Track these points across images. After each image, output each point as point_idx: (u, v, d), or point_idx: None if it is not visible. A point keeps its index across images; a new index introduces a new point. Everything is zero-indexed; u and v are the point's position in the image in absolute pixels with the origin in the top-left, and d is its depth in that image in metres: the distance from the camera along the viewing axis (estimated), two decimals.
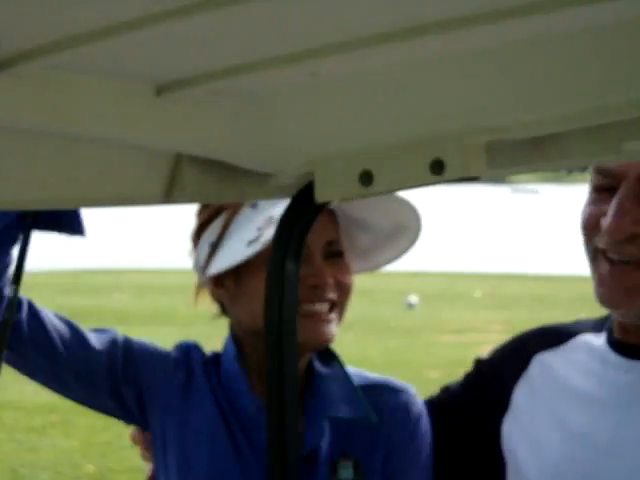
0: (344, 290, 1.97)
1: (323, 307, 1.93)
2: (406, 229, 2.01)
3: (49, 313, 1.94)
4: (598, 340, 1.94)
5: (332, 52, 1.21)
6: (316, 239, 1.92)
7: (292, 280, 1.49)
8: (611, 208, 1.78)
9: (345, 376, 1.98)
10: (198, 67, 1.27)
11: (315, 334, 1.92)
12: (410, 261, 2.07)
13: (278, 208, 1.81)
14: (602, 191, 1.83)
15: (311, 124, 1.38)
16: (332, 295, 1.95)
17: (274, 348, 1.49)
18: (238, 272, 1.94)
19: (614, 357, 1.88)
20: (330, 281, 1.94)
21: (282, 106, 1.37)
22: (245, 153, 1.43)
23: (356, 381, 1.98)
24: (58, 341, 1.91)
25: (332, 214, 1.96)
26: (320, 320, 1.93)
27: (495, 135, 1.28)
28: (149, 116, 1.30)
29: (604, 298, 1.83)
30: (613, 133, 1.26)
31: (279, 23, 1.13)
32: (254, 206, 1.89)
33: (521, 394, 1.94)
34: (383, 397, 1.96)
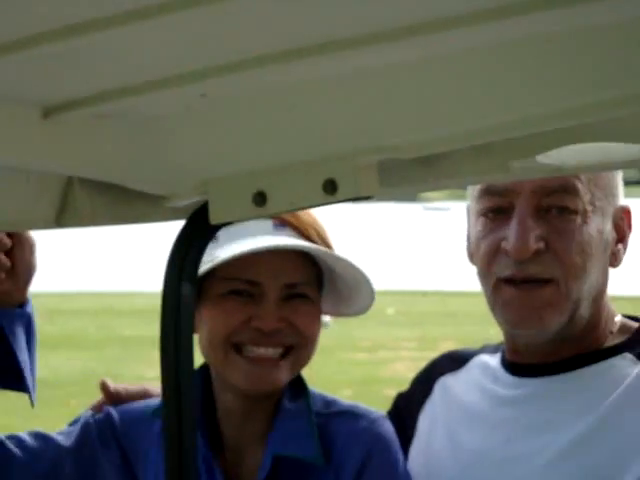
0: (301, 335, 1.88)
1: (268, 352, 1.86)
2: (362, 282, 1.92)
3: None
4: (493, 360, 1.96)
5: (222, 73, 1.21)
6: (271, 280, 1.87)
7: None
8: (512, 229, 1.78)
9: (306, 413, 1.91)
10: (85, 89, 1.25)
11: (255, 379, 1.87)
12: None
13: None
14: (496, 214, 1.83)
15: (203, 145, 1.37)
16: (287, 339, 1.87)
17: (169, 375, 1.46)
18: (198, 301, 1.87)
19: (505, 376, 1.91)
20: (280, 325, 1.86)
21: (173, 128, 1.36)
22: (137, 175, 1.41)
23: (324, 410, 1.92)
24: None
25: (302, 254, 1.88)
26: (262, 365, 1.86)
27: (386, 154, 1.28)
28: (36, 139, 1.28)
29: (515, 322, 1.84)
30: (501, 152, 1.28)
31: (167, 44, 1.12)
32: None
33: (423, 419, 1.95)
34: (341, 425, 1.89)
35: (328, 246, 1.95)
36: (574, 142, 1.24)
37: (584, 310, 1.83)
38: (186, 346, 1.48)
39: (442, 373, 2.00)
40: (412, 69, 1.19)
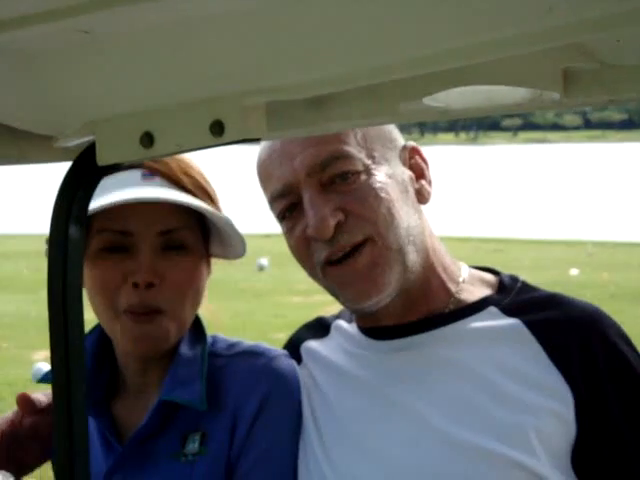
0: (178, 291, 1.85)
1: (142, 318, 1.83)
2: (230, 228, 1.89)
3: None
4: (352, 328, 1.97)
5: (104, 8, 1.16)
6: (143, 229, 1.83)
7: (76, 247, 1.44)
8: (307, 212, 1.78)
9: (199, 358, 1.90)
10: None
11: (139, 338, 1.85)
12: (262, 223, 2.02)
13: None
14: (292, 212, 1.84)
15: (88, 84, 1.33)
16: (158, 301, 1.83)
17: (58, 322, 1.43)
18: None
19: (367, 340, 1.91)
20: (155, 280, 1.82)
21: (56, 65, 1.31)
22: (21, 114, 1.37)
23: (226, 352, 1.92)
24: None
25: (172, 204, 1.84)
26: (143, 322, 1.84)
27: (273, 95, 1.25)
28: None
29: (354, 298, 1.83)
30: (389, 95, 1.26)
31: None
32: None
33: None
34: (241, 365, 1.89)
35: (204, 191, 1.92)
36: (460, 85, 1.23)
37: (413, 254, 1.83)
38: (75, 291, 1.45)
39: (305, 339, 2.01)
40: (296, 6, 1.16)
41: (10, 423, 1.92)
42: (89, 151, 1.40)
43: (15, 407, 1.96)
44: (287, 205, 1.84)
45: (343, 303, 1.89)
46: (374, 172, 1.80)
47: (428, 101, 1.25)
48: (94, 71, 1.32)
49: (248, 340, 2.00)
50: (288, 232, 1.86)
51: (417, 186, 1.89)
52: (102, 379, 1.96)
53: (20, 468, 1.94)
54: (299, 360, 1.96)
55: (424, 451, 1.74)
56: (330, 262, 1.81)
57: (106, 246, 1.86)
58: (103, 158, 1.38)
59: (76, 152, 1.44)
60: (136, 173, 1.85)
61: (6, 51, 1.29)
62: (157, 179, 1.86)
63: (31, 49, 1.30)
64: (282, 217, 1.86)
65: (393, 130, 1.89)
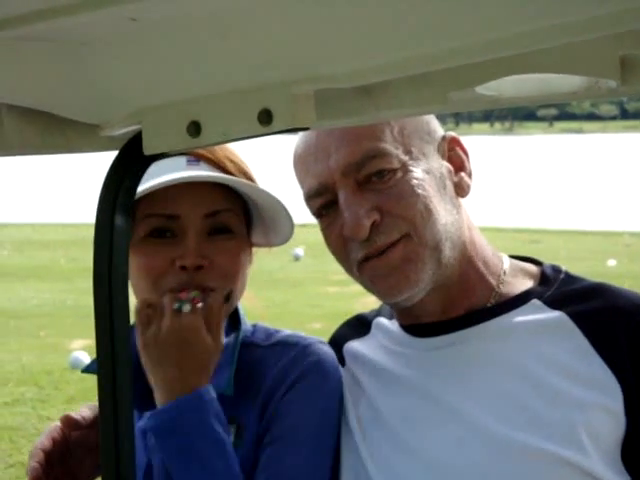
0: (225, 274, 1.85)
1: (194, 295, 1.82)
2: (280, 211, 1.89)
3: None
4: (393, 325, 1.95)
5: None
6: (190, 211, 1.84)
7: (122, 236, 1.43)
8: (343, 213, 1.77)
9: (231, 346, 1.90)
10: (9, 9, 1.19)
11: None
12: (298, 213, 2.01)
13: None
14: (328, 210, 1.83)
15: (135, 73, 1.32)
16: (208, 282, 1.82)
17: (104, 312, 1.43)
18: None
19: (409, 338, 1.89)
20: (203, 263, 1.82)
21: (103, 53, 1.30)
22: (68, 102, 1.36)
23: (264, 342, 1.91)
24: None
25: (220, 185, 1.84)
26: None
27: (322, 84, 1.24)
28: None
29: (386, 292, 1.82)
30: (439, 83, 1.24)
31: None
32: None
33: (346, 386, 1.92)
34: (276, 355, 1.89)
35: (248, 178, 1.91)
36: (513, 73, 1.20)
37: (449, 250, 1.80)
38: (121, 280, 1.44)
39: (347, 340, 1.99)
40: None
41: (60, 432, 1.91)
42: (135, 140, 1.39)
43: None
44: (323, 203, 1.83)
45: (379, 298, 1.88)
46: (411, 168, 1.78)
47: (480, 90, 1.23)
48: (141, 59, 1.31)
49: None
50: (325, 230, 1.85)
51: (456, 179, 1.87)
52: (142, 378, 1.95)
53: None
54: (342, 362, 1.95)
55: (470, 451, 1.71)
56: (366, 259, 1.80)
57: (152, 231, 1.86)
58: (149, 147, 1.37)
59: (122, 141, 1.44)
60: (181, 159, 1.86)
61: (53, 40, 1.28)
62: (202, 164, 1.87)
63: (78, 37, 1.29)
64: (319, 215, 1.86)
65: (432, 121, 1.86)
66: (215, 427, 1.76)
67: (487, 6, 1.09)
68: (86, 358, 10.36)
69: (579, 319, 1.76)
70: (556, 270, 1.89)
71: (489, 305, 1.85)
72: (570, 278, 1.87)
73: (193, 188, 1.84)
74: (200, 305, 1.80)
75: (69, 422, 1.91)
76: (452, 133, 1.89)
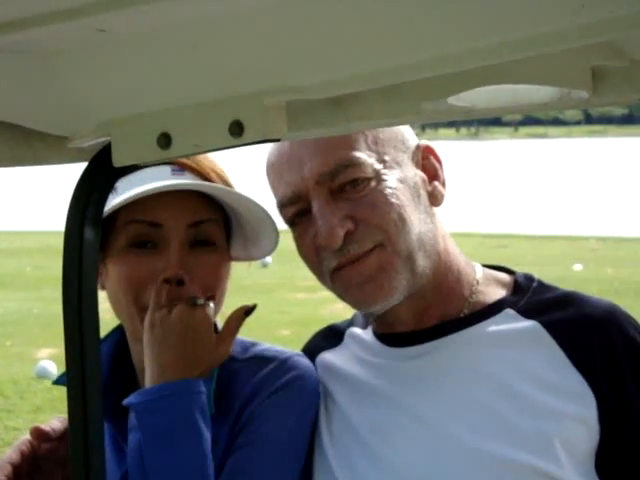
0: (207, 288, 1.83)
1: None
2: (265, 221, 1.87)
3: None
4: (366, 334, 1.94)
5: (121, 6, 1.14)
6: (173, 220, 1.82)
7: (91, 248, 1.42)
8: (316, 222, 1.76)
9: None
10: None
11: None
12: None
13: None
14: (301, 218, 1.82)
15: (103, 84, 1.31)
16: (186, 295, 1.80)
17: (73, 324, 1.41)
18: (104, 255, 1.83)
19: (382, 348, 1.88)
20: (185, 276, 1.80)
21: (71, 65, 1.29)
22: (35, 114, 1.35)
23: (241, 356, 1.88)
24: None
25: (203, 195, 1.83)
26: None
27: (294, 95, 1.23)
28: None
29: (360, 302, 1.82)
30: (412, 94, 1.23)
31: None
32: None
33: None
34: (252, 370, 1.86)
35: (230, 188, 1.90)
36: (486, 84, 1.20)
37: (422, 260, 1.80)
38: (90, 292, 1.43)
39: (319, 351, 1.97)
40: (316, 5, 1.14)
41: (29, 446, 1.89)
42: (104, 152, 1.37)
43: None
44: (296, 212, 1.82)
45: (352, 306, 1.87)
46: (385, 177, 1.77)
47: (452, 101, 1.23)
48: (110, 70, 1.30)
49: (252, 337, 1.96)
50: (297, 238, 1.84)
51: (430, 188, 1.86)
52: (117, 384, 1.93)
53: None
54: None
55: (443, 462, 1.71)
56: (337, 269, 1.79)
57: (134, 240, 1.83)
58: (119, 159, 1.36)
59: (90, 153, 1.42)
60: (165, 168, 1.83)
61: (21, 51, 1.27)
62: (187, 174, 1.85)
63: (47, 48, 1.28)
64: (292, 223, 1.84)
65: (405, 130, 1.86)
66: (197, 418, 1.74)
67: (458, 18, 1.08)
68: (53, 367, 10.28)
69: (553, 329, 1.76)
70: (529, 279, 1.89)
71: (462, 315, 1.84)
72: (543, 287, 1.86)
73: (177, 197, 1.82)
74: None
75: (39, 434, 1.88)
76: (426, 142, 1.89)
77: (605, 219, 25.61)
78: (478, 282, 1.88)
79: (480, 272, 1.90)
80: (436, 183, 1.87)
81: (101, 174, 1.40)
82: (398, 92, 1.25)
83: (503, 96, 1.25)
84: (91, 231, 1.41)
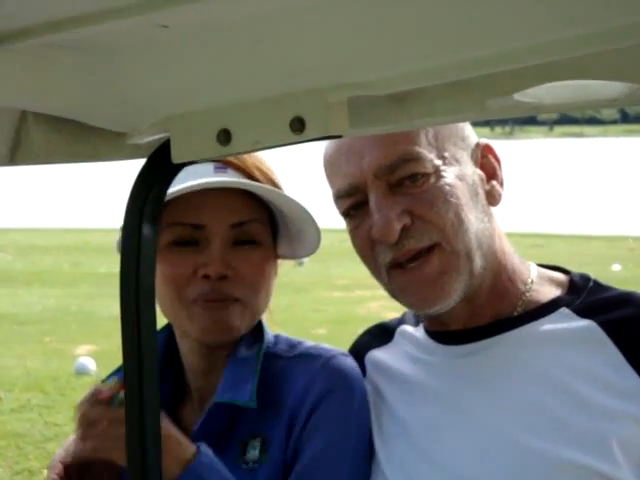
0: (249, 285, 1.83)
1: (217, 304, 1.82)
2: (305, 220, 1.87)
3: None
4: (418, 332, 1.93)
5: (182, 2, 1.13)
6: (215, 221, 1.82)
7: (149, 245, 1.41)
8: (373, 215, 1.75)
9: (254, 359, 1.87)
10: (39, 16, 1.18)
11: (208, 328, 1.83)
12: None
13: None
14: (357, 211, 1.80)
15: (164, 80, 1.30)
16: (232, 292, 1.81)
17: (130, 321, 1.41)
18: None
19: (434, 345, 1.87)
20: (227, 272, 1.81)
21: (133, 60, 1.28)
22: (95, 110, 1.34)
23: (287, 354, 1.88)
24: None
25: (247, 195, 1.83)
26: (215, 309, 1.82)
27: (357, 91, 1.22)
28: None
29: (419, 304, 1.80)
30: (477, 90, 1.22)
31: None
32: None
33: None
34: (299, 368, 1.86)
35: (276, 186, 1.89)
36: (553, 80, 1.18)
37: (480, 260, 1.78)
38: (148, 290, 1.43)
39: (368, 349, 1.96)
40: (383, 1, 1.12)
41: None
42: (163, 148, 1.37)
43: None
44: (353, 204, 1.81)
45: (406, 306, 1.86)
46: (444, 174, 1.76)
47: (519, 97, 1.21)
48: (170, 67, 1.29)
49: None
50: (352, 231, 1.83)
51: (488, 187, 1.85)
52: (168, 384, 1.94)
53: None
54: (363, 372, 1.91)
55: (496, 462, 1.69)
56: (395, 265, 1.77)
57: (176, 240, 1.84)
58: (178, 155, 1.35)
59: (149, 149, 1.42)
60: (208, 166, 1.84)
61: (82, 47, 1.27)
62: (230, 171, 1.85)
63: (108, 44, 1.27)
64: (347, 214, 1.83)
65: (466, 127, 1.85)
66: None
67: (524, 12, 1.07)
68: (92, 364, 10.34)
69: (609, 328, 1.73)
70: (585, 278, 1.87)
71: (516, 313, 1.83)
72: (599, 286, 1.85)
73: (219, 197, 1.82)
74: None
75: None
76: (485, 140, 1.87)
77: None
78: (532, 281, 1.86)
79: (535, 271, 1.89)
80: (494, 182, 1.86)
81: (160, 170, 1.40)
82: (461, 88, 1.23)
83: (570, 92, 1.23)
84: (149, 228, 1.41)
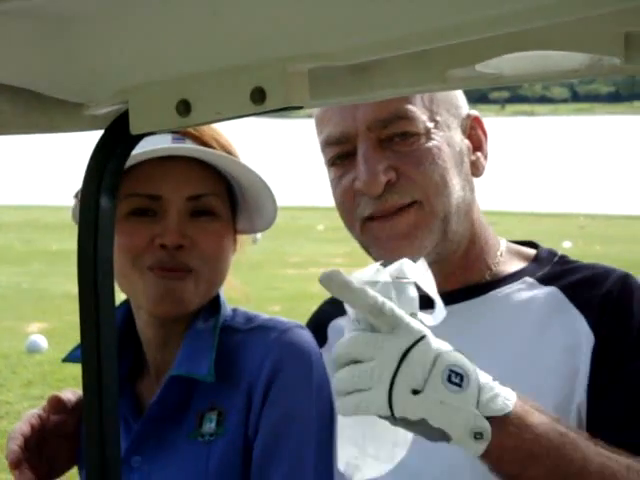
0: (204, 256, 1.82)
1: (171, 274, 1.81)
2: (264, 191, 1.86)
3: None
4: None
5: None
6: (172, 192, 1.81)
7: (107, 218, 1.40)
8: (359, 166, 1.76)
9: (210, 332, 1.86)
10: None
11: (161, 299, 1.82)
12: None
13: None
14: (343, 160, 1.81)
15: (121, 50, 1.28)
16: (187, 260, 1.81)
17: (88, 294, 1.39)
18: None
19: None
20: (184, 242, 1.80)
21: (89, 30, 1.26)
22: (51, 81, 1.32)
23: (244, 327, 1.87)
24: None
25: (206, 167, 1.82)
26: (168, 279, 1.81)
27: (317, 61, 1.21)
28: None
29: (388, 255, 1.76)
30: (438, 61, 1.22)
31: None
32: None
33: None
34: (255, 339, 1.85)
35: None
36: (514, 50, 1.18)
37: (455, 225, 1.81)
38: (106, 262, 1.41)
39: (332, 318, 1.96)
40: None
41: (38, 419, 1.89)
42: (122, 119, 1.35)
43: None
44: (340, 152, 1.81)
45: (375, 259, 1.85)
46: (434, 137, 1.79)
47: (480, 67, 1.21)
48: (128, 36, 1.27)
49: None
50: (335, 180, 1.84)
51: (473, 158, 1.88)
52: (125, 358, 1.93)
53: (50, 470, 1.92)
54: (324, 340, 1.92)
55: None
56: (372, 218, 1.79)
57: (133, 210, 1.84)
58: (137, 126, 1.34)
59: (106, 121, 1.40)
60: (166, 136, 1.83)
61: (37, 16, 1.24)
62: (188, 142, 1.84)
63: (63, 13, 1.25)
64: (332, 163, 1.84)
65: (460, 96, 1.88)
66: None
67: None
68: (43, 342, 10.27)
69: (567, 290, 1.79)
70: (552, 253, 1.92)
71: (484, 281, 1.87)
72: (564, 260, 1.89)
73: (176, 168, 1.81)
74: None
75: (57, 403, 1.89)
76: (475, 112, 1.91)
77: (593, 197, 25.66)
78: (502, 254, 1.91)
79: (504, 245, 1.94)
80: (479, 154, 1.89)
81: (118, 141, 1.38)
82: (423, 59, 1.23)
83: (532, 63, 1.24)
84: (107, 200, 1.39)
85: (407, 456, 1.70)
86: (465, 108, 1.89)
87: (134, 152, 1.73)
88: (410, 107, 1.77)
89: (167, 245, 1.80)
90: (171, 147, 1.79)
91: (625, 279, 1.80)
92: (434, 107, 1.80)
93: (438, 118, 1.80)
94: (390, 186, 1.76)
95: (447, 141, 1.80)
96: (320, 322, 1.96)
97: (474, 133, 1.89)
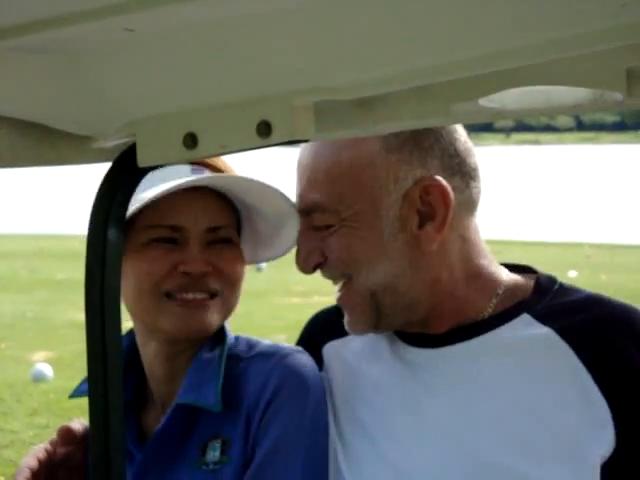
0: (227, 280, 1.86)
1: (197, 296, 1.84)
2: (287, 216, 1.87)
3: None
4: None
5: (149, 6, 1.13)
6: (193, 224, 1.84)
7: (114, 250, 1.41)
8: (298, 246, 1.87)
9: (216, 360, 1.88)
10: (4, 20, 1.17)
11: (186, 322, 1.84)
12: None
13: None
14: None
15: (130, 84, 1.30)
16: (212, 285, 1.84)
17: (95, 326, 1.40)
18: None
19: (396, 344, 1.88)
20: (208, 269, 1.84)
21: (97, 64, 1.28)
22: (60, 114, 1.34)
23: (246, 354, 1.89)
24: None
25: (222, 198, 1.86)
26: (192, 308, 1.84)
27: (323, 95, 1.23)
28: None
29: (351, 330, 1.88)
30: (442, 95, 1.23)
31: None
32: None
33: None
34: (256, 367, 1.86)
35: None
36: (517, 85, 1.20)
37: (389, 299, 1.80)
38: (113, 294, 1.42)
39: (325, 340, 1.97)
40: (349, 6, 1.13)
41: (45, 452, 1.90)
42: (129, 152, 1.37)
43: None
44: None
45: None
46: (351, 224, 1.78)
47: (483, 102, 1.22)
48: (136, 70, 1.29)
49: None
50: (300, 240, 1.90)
51: (418, 232, 1.78)
52: (129, 388, 1.93)
53: None
54: (320, 363, 1.91)
55: (454, 472, 1.69)
56: None
57: (155, 238, 1.86)
58: (144, 159, 1.35)
59: (114, 153, 1.42)
60: (185, 168, 1.86)
61: (47, 51, 1.26)
62: (207, 172, 1.87)
63: (73, 48, 1.27)
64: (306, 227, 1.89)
65: (402, 168, 1.76)
66: None
67: (490, 18, 1.08)
68: (49, 370, 10.26)
69: (567, 334, 1.72)
70: (551, 281, 1.85)
71: (480, 318, 1.81)
72: (564, 290, 1.82)
73: (196, 198, 1.84)
74: None
75: (67, 433, 1.90)
76: (433, 178, 1.77)
77: (599, 226, 25.65)
78: (499, 294, 1.83)
79: (502, 287, 1.85)
80: (429, 226, 1.78)
81: (125, 174, 1.40)
82: (427, 93, 1.24)
83: (534, 98, 1.25)
84: (115, 231, 1.41)
85: (415, 467, 1.71)
86: (411, 178, 1.77)
87: (155, 188, 1.76)
88: (320, 201, 1.80)
89: (192, 273, 1.83)
90: (198, 179, 1.82)
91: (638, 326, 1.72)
92: (354, 193, 1.77)
93: (357, 206, 1.77)
94: (320, 266, 1.85)
95: (370, 224, 1.78)
96: (311, 343, 1.95)
97: (427, 200, 1.78)
